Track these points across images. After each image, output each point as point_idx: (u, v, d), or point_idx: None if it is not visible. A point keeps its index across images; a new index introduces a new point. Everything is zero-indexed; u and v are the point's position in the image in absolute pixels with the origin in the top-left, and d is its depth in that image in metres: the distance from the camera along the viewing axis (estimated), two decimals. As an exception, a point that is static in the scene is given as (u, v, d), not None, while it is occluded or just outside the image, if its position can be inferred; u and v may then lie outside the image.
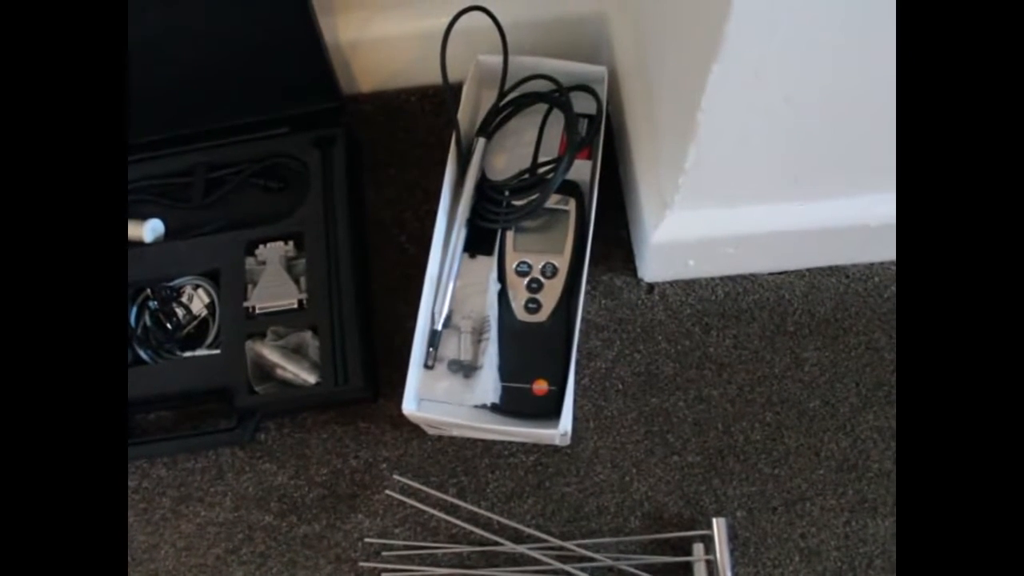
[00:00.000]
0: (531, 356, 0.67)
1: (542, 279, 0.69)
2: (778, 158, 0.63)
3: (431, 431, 0.72)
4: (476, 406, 0.67)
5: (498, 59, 0.75)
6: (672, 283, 0.77)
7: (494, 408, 0.67)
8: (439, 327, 0.68)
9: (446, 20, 0.73)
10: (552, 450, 0.72)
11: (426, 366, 0.68)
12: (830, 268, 0.77)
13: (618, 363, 0.75)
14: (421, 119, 0.84)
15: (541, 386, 0.66)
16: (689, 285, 0.77)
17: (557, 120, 0.76)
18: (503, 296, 0.69)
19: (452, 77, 0.74)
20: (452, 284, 0.70)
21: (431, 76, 0.84)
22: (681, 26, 0.61)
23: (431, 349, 0.68)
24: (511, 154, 0.75)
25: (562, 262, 0.69)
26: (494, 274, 0.69)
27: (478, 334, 0.69)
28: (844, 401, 0.73)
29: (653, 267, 0.75)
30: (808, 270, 0.77)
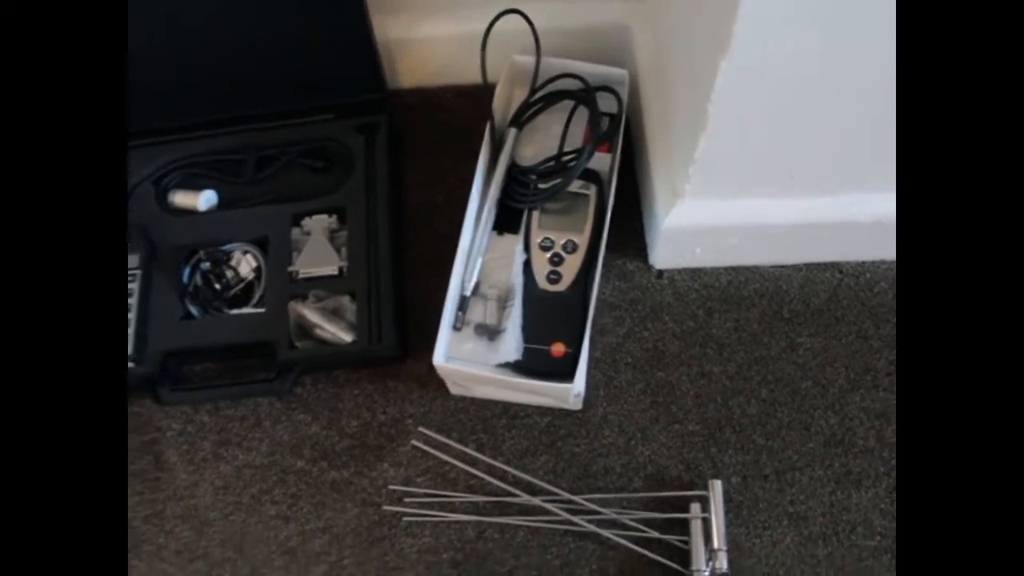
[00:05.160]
0: (551, 321, 0.74)
1: (563, 254, 0.76)
2: (777, 153, 0.70)
3: (455, 390, 0.78)
4: (499, 365, 0.73)
5: (530, 59, 0.83)
6: (680, 270, 0.84)
7: (515, 366, 0.73)
8: (468, 293, 0.75)
9: (483, 25, 0.81)
10: (565, 413, 0.78)
11: (454, 328, 0.75)
12: (825, 264, 0.84)
13: (628, 339, 0.81)
14: (456, 113, 0.92)
15: (559, 348, 0.73)
16: (695, 272, 0.84)
17: (580, 118, 0.83)
18: (528, 267, 0.76)
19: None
20: (481, 257, 0.77)
21: (467, 75, 0.93)
22: (695, 28, 0.69)
23: (460, 313, 0.75)
24: (539, 146, 0.83)
25: (582, 240, 0.76)
26: (520, 245, 0.77)
27: (503, 302, 0.76)
28: (834, 383, 0.79)
29: (663, 254, 0.82)
30: (805, 264, 0.84)
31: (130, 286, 0.80)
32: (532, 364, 0.73)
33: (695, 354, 0.81)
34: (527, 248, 0.77)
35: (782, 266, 0.84)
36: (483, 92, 0.83)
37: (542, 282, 0.75)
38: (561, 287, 0.75)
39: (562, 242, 0.76)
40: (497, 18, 0.79)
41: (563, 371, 0.72)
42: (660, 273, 0.84)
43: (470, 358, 0.74)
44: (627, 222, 0.86)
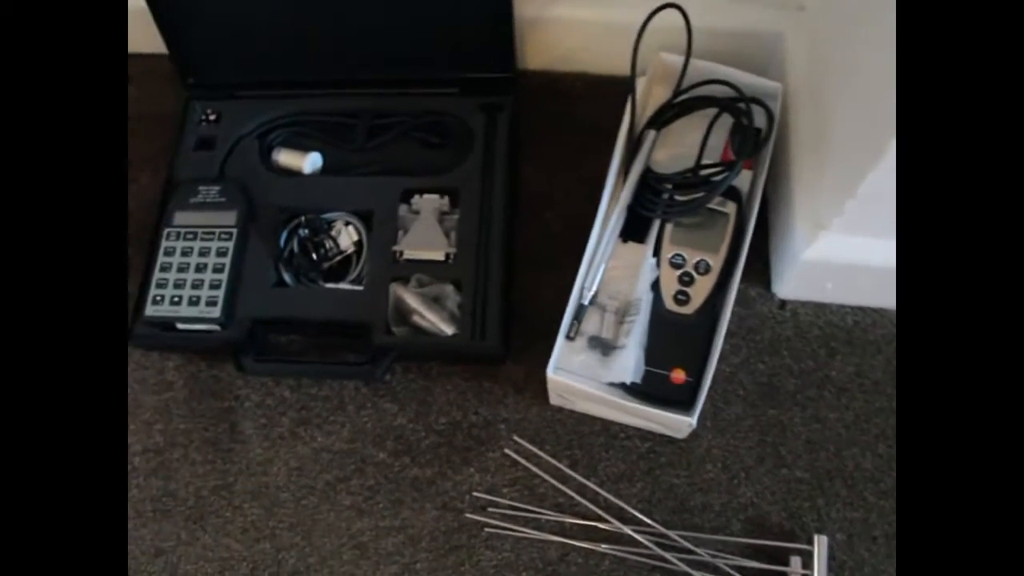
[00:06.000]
0: (673, 345, 0.69)
1: (694, 274, 0.71)
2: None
3: (556, 401, 0.73)
4: (611, 383, 0.69)
5: (677, 59, 0.77)
6: (804, 303, 0.79)
7: (629, 388, 0.68)
8: (586, 302, 0.70)
9: (625, 11, 0.75)
10: (666, 440, 0.74)
11: (568, 337, 0.70)
12: (959, 317, 0.78)
13: (742, 370, 0.76)
14: (581, 103, 0.87)
15: (679, 375, 0.68)
16: (820, 307, 0.78)
17: (720, 128, 0.77)
18: (654, 283, 0.71)
19: (618, 69, 0.76)
20: (604, 264, 0.72)
21: (598, 64, 0.87)
22: (881, 55, 0.63)
23: (575, 322, 0.70)
24: (672, 152, 0.77)
25: (716, 261, 0.71)
26: (652, 261, 0.71)
27: (621, 315, 0.71)
28: (956, 447, 0.74)
29: (792, 284, 0.77)
30: (937, 315, 0.78)
31: (225, 244, 0.76)
32: (649, 389, 0.68)
33: (811, 396, 0.75)
34: (655, 265, 0.71)
35: (912, 314, 0.79)
36: (615, 84, 0.78)
37: (668, 302, 0.70)
38: (688, 310, 0.70)
39: (694, 261, 0.71)
40: (656, 11, 0.73)
41: (681, 400, 0.67)
42: (783, 304, 0.79)
43: (580, 371, 0.69)
44: (752, 243, 0.80)
